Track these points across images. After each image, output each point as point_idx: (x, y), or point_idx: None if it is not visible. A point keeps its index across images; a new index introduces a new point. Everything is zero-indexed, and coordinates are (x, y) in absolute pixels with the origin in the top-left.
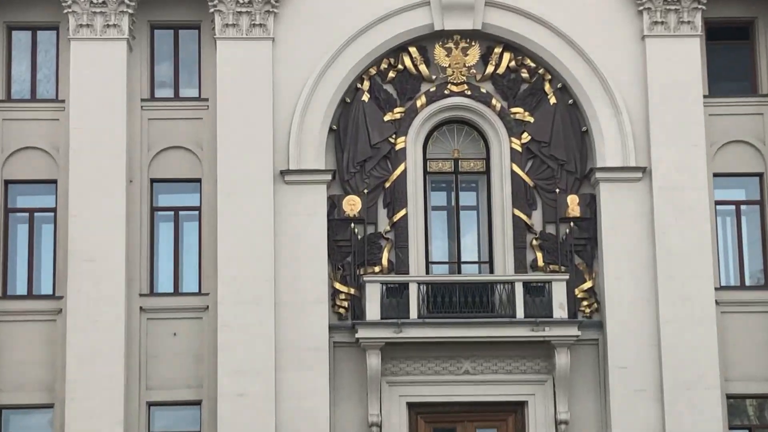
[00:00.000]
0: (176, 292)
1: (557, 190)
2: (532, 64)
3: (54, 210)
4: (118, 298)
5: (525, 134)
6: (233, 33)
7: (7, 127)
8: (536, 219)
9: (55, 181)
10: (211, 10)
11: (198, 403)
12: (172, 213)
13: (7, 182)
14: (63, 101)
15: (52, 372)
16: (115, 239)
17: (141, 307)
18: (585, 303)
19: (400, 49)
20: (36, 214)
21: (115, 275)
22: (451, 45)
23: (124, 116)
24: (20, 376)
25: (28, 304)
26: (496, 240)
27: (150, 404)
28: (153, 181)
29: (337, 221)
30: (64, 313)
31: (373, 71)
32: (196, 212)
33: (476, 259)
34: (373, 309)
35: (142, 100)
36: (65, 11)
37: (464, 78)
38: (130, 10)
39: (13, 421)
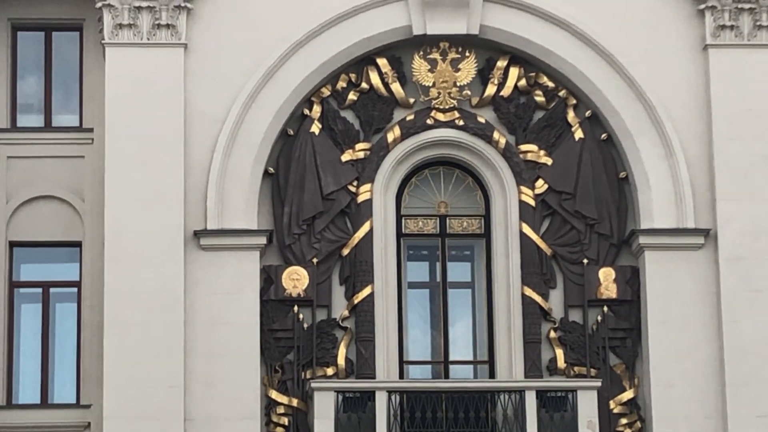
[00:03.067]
0: (44, 403)
1: (585, 261)
2: (551, 84)
3: None
4: None
5: (540, 182)
6: (129, 37)
7: None
8: (555, 301)
9: None
10: (99, 4)
11: None
12: (40, 290)
13: None
14: None
15: None
16: None
17: None
18: (624, 421)
19: (365, 61)
20: None
21: None
22: (436, 56)
23: None
24: None
25: None
26: (499, 331)
27: None
28: (12, 244)
29: (274, 302)
30: None
31: (326, 92)
32: (74, 289)
33: (470, 358)
34: (324, 428)
35: (0, 130)
36: None
37: (455, 102)
38: None
39: None
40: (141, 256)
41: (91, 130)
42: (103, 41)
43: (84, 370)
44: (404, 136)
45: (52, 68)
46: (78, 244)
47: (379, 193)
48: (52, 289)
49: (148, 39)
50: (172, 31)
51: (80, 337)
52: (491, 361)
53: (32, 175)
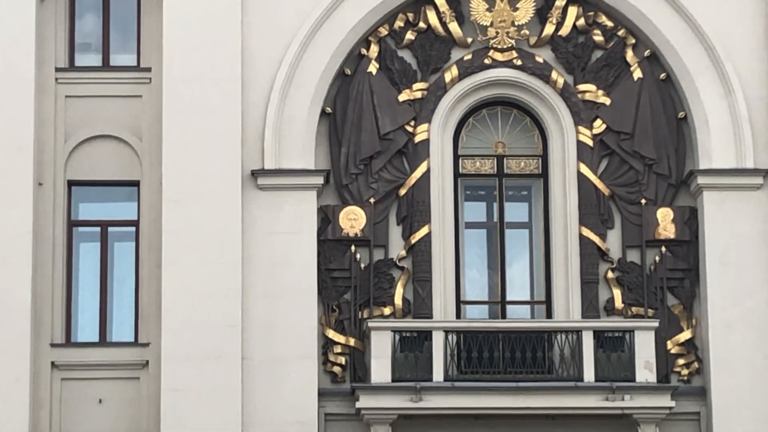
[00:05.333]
0: (103, 342)
1: (643, 202)
2: (609, 23)
3: None
4: (21, 350)
5: (598, 122)
6: None
7: None
8: (613, 242)
9: None
10: None
11: None
12: (98, 229)
13: None
14: None
15: None
16: (16, 267)
17: (53, 363)
18: (681, 361)
19: (422, 0)
20: None
21: (17, 317)
22: None
23: (32, 92)
24: None
25: None
26: (557, 271)
27: None
28: (71, 183)
29: (331, 242)
30: None
31: (384, 31)
32: (132, 228)
33: (527, 298)
34: (381, 368)
35: (58, 69)
36: None
37: (513, 42)
38: None
39: None
40: (198, 196)
41: (148, 69)
42: None
43: (142, 308)
44: (462, 76)
45: (110, 7)
46: (136, 184)
47: (437, 133)
48: (110, 228)
49: None
50: None
51: (138, 276)
52: (548, 302)
53: (90, 115)
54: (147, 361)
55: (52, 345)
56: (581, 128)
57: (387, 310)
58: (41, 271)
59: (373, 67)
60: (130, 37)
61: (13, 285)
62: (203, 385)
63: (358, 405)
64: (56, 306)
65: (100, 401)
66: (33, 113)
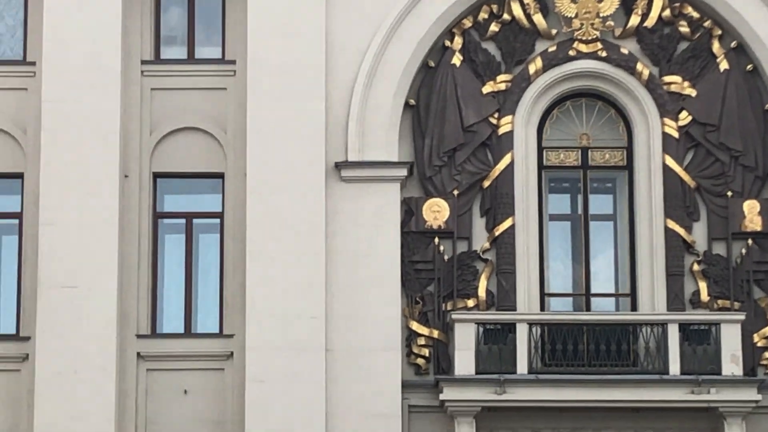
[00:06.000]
0: (188, 332)
1: (729, 194)
2: (695, 14)
3: (19, 217)
4: (107, 341)
5: (684, 114)
6: None
7: None
8: (699, 234)
9: (20, 176)
10: None
11: None
12: (183, 221)
13: None
14: (33, 63)
15: None
16: (103, 258)
17: (139, 354)
18: None
19: None
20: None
21: (103, 308)
22: None
23: (118, 85)
24: None
25: None
26: (642, 263)
27: None
28: (156, 175)
29: (414, 234)
30: (31, 360)
31: (468, 23)
32: (217, 220)
33: (612, 291)
34: (465, 360)
35: (143, 62)
36: None
37: (597, 33)
38: None
39: None
40: (282, 187)
41: (233, 62)
42: None
43: (227, 300)
44: (546, 68)
45: (195, 0)
46: (221, 176)
47: (521, 125)
48: (195, 220)
49: None
50: None
51: (223, 268)
52: (633, 294)
53: (175, 107)
54: (231, 352)
55: (138, 336)
56: (667, 120)
57: (471, 303)
58: (127, 263)
59: (457, 59)
60: (215, 29)
61: (99, 276)
62: (287, 376)
63: (441, 397)
64: (142, 297)
65: (185, 392)
66: (119, 106)
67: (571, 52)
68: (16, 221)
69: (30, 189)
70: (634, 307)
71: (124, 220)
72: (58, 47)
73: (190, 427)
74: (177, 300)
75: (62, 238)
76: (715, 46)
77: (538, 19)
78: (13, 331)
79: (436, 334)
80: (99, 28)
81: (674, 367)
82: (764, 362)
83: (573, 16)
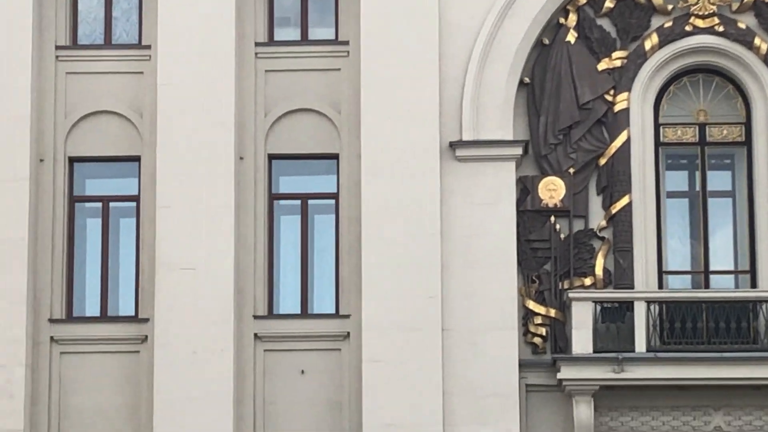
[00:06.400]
0: (305, 313)
1: None
2: None
3: (137, 200)
4: (225, 322)
5: None
6: None
7: (69, 82)
8: None
9: (137, 159)
10: None
11: None
12: (299, 202)
13: (71, 161)
14: (148, 47)
15: (133, 421)
16: (220, 240)
17: (256, 334)
18: None
19: None
20: (112, 206)
21: (221, 289)
22: None
23: (232, 68)
24: (90, 428)
25: (100, 328)
26: (761, 240)
27: None
28: (271, 157)
29: (530, 213)
30: (150, 341)
31: (581, 0)
32: (332, 201)
33: (731, 268)
34: (582, 338)
35: (257, 44)
36: None
37: (714, 8)
38: None
39: None
40: (397, 168)
41: (346, 42)
42: None
43: (342, 280)
44: (662, 44)
45: None
46: (335, 156)
47: (637, 102)
48: (310, 201)
49: None
50: None
51: (339, 248)
52: (753, 271)
53: (290, 89)
54: (348, 333)
55: (255, 317)
56: None
57: (587, 281)
58: (243, 244)
59: (571, 36)
60: (328, 10)
61: (216, 258)
62: (404, 356)
63: (559, 376)
64: (258, 278)
65: (302, 372)
66: (234, 88)
67: (688, 28)
68: (134, 204)
69: (147, 172)
70: (753, 284)
71: (240, 202)
72: (172, 30)
73: (307, 408)
74: (293, 281)
75: (179, 220)
76: None
77: None
78: (132, 313)
79: (553, 313)
80: (213, 11)
81: None
82: None
83: None
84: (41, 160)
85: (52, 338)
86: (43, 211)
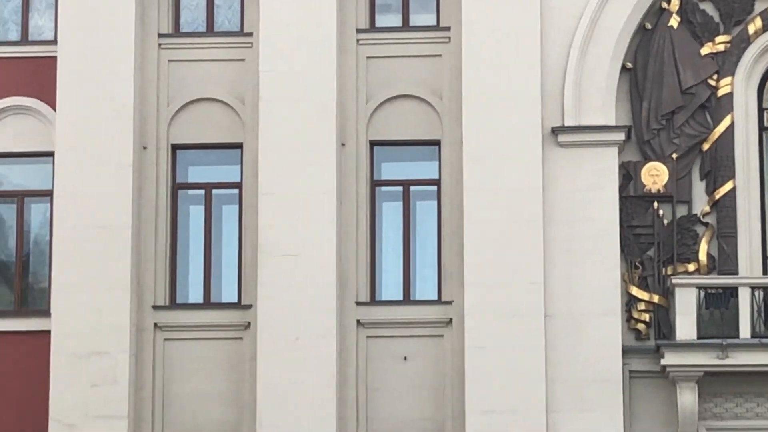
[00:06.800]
0: (407, 300)
1: None
2: None
3: (239, 187)
4: (327, 308)
5: None
6: None
7: (171, 71)
8: None
9: (240, 146)
10: None
11: None
12: (400, 189)
13: (174, 147)
14: (250, 34)
15: (236, 407)
16: (322, 226)
17: (358, 321)
18: None
19: None
20: (214, 192)
21: (323, 276)
22: None
23: (334, 54)
24: (193, 414)
25: (205, 316)
26: None
27: None
28: (373, 144)
29: (633, 199)
30: (253, 328)
31: None
32: (434, 187)
33: None
34: (686, 324)
35: (359, 31)
36: None
37: None
38: None
39: None
40: (499, 153)
41: (448, 28)
42: None
43: (445, 266)
44: (766, 28)
45: None
46: (437, 143)
47: (740, 87)
48: (412, 188)
49: None
50: None
51: (440, 234)
52: None
53: (391, 75)
54: (450, 319)
55: (357, 303)
56: None
57: (691, 267)
58: (345, 231)
59: (674, 21)
60: None
61: (318, 245)
62: (506, 342)
63: (663, 362)
64: (360, 265)
65: (405, 359)
66: (335, 75)
67: None
68: (236, 191)
69: (249, 159)
70: None
71: (341, 189)
72: (274, 17)
73: (410, 394)
74: (395, 267)
75: (281, 207)
76: None
77: None
78: (235, 300)
79: (656, 299)
80: None
81: None
82: None
83: None
84: (144, 148)
85: (155, 325)
86: (146, 199)
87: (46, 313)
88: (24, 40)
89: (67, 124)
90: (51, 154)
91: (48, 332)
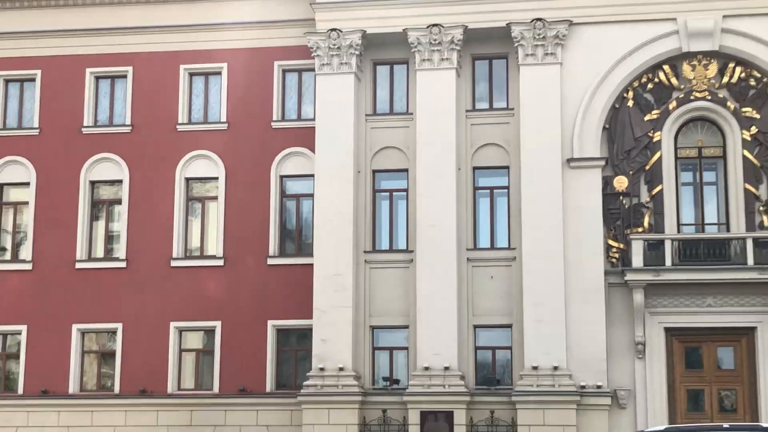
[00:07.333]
0: (492, 247)
1: None
2: (759, 75)
3: (406, 191)
4: (452, 253)
5: (753, 127)
6: (532, 60)
7: (371, 133)
8: (762, 191)
9: (406, 170)
10: (516, 44)
11: (509, 326)
12: (488, 191)
13: (374, 171)
14: (411, 114)
15: (406, 303)
16: (448, 209)
17: (468, 258)
18: None
19: (656, 67)
20: (394, 193)
21: (449, 235)
22: (695, 62)
23: (453, 122)
24: (385, 305)
25: (389, 256)
26: (731, 207)
27: (476, 326)
28: (475, 168)
29: (609, 195)
30: (414, 261)
31: (635, 84)
32: (505, 190)
33: (716, 221)
34: (637, 259)
35: (467, 111)
36: (413, 50)
37: (705, 87)
38: (458, 47)
39: (381, 337)
40: (540, 172)
41: (512, 109)
42: (518, 63)
43: (512, 230)
44: (678, 106)
45: (492, 78)
46: (507, 167)
47: (665, 136)
48: (495, 191)
49: (541, 61)
50: (553, 57)
51: (509, 214)
52: (727, 223)
53: (483, 132)
54: (515, 257)
55: (467, 249)
56: (744, 131)
57: (640, 230)
58: (463, 208)
59: (630, 102)
60: (503, 92)
61: (449, 217)
62: (546, 268)
63: (625, 278)
64: (469, 228)
65: (492, 277)
66: (455, 133)
67: (692, 97)
68: (404, 193)
69: (411, 177)
70: (728, 230)
71: (459, 191)
72: (423, 103)
73: (494, 295)
74: (486, 228)
75: (429, 201)
76: None
77: (674, 80)
78: (405, 247)
79: (622, 246)
80: None
81: (750, 260)
82: None
83: (692, 78)
84: (359, 172)
85: (365, 261)
86: (359, 197)
87: (310, 255)
88: (298, 118)
89: (323, 159)
90: (312, 176)
91: (311, 265)
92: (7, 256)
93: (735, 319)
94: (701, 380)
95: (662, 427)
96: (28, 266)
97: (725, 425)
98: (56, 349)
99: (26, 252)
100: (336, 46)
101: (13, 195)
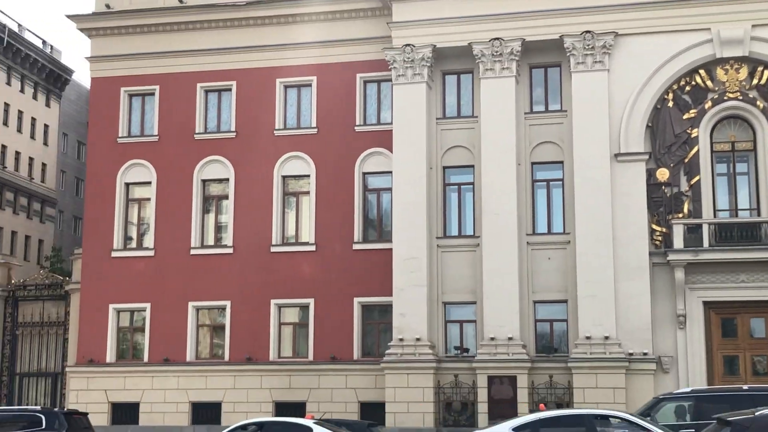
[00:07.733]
0: (549, 232)
1: None
2: None
3: (472, 184)
4: (513, 237)
5: None
6: (582, 68)
7: (441, 134)
8: None
9: (472, 166)
10: (568, 54)
11: (565, 301)
12: (545, 183)
13: (444, 168)
14: (476, 117)
15: (474, 281)
16: (510, 200)
17: (527, 242)
18: None
19: (692, 71)
20: (462, 186)
21: (511, 222)
22: (728, 67)
23: (513, 123)
24: (455, 283)
25: (458, 241)
26: (762, 194)
27: (535, 302)
28: (533, 163)
29: (652, 185)
30: (480, 245)
31: (675, 86)
32: (560, 182)
33: (748, 207)
34: (678, 241)
35: (525, 113)
36: (477, 61)
37: (737, 88)
38: (516, 58)
39: (452, 311)
40: (590, 166)
41: (565, 111)
42: (571, 71)
43: (566, 216)
44: (713, 105)
45: (548, 84)
46: (561, 162)
47: (702, 132)
48: (551, 183)
49: (591, 68)
50: (601, 64)
51: (564, 200)
52: (758, 208)
53: (541, 132)
54: (569, 241)
55: (527, 234)
56: None
57: (680, 215)
58: (521, 200)
59: (671, 104)
60: (557, 96)
61: (510, 205)
62: (597, 252)
63: (668, 258)
64: (529, 217)
65: (549, 258)
66: (515, 133)
67: (725, 98)
68: (471, 186)
69: (477, 172)
70: (758, 214)
71: (519, 183)
72: (486, 107)
73: (552, 274)
74: (544, 216)
75: (490, 189)
76: None
77: (709, 83)
78: (472, 233)
79: (664, 230)
80: None
81: None
82: None
83: (725, 81)
84: (431, 168)
85: (437, 245)
86: (431, 190)
87: (390, 240)
88: (377, 122)
89: (399, 158)
90: (390, 172)
91: (390, 249)
92: (133, 244)
93: (766, 293)
94: (736, 347)
95: (689, 389)
96: (151, 253)
97: (744, 387)
98: (175, 324)
99: (149, 241)
100: (410, 59)
101: (137, 192)
